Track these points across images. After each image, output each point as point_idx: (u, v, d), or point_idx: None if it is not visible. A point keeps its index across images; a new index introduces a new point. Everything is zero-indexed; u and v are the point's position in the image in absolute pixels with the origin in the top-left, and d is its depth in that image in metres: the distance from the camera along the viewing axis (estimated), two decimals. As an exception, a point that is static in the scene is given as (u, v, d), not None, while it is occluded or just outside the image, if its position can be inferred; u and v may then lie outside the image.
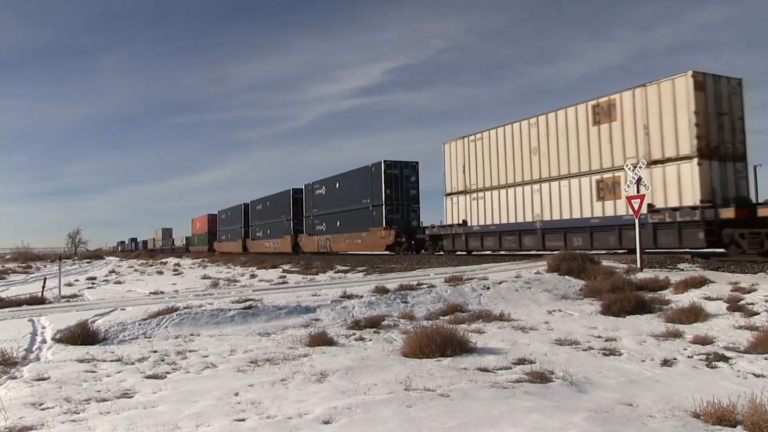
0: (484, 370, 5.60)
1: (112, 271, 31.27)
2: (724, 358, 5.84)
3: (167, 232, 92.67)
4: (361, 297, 10.39)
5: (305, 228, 38.27)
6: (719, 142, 14.43)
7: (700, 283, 10.42)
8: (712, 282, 10.50)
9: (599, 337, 7.31)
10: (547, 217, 18.55)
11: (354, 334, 7.95)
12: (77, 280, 24.01)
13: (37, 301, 12.95)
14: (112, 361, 6.41)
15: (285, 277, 20.21)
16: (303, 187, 38.99)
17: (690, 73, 14.18)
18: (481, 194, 21.63)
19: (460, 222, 22.57)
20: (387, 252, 28.01)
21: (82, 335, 7.43)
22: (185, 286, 17.69)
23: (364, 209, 29.98)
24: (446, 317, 9.13)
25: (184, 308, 9.33)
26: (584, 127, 17.33)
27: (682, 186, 14.39)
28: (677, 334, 7.10)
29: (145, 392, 4.96)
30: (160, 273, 28.48)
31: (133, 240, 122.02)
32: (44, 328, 8.43)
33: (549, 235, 18.52)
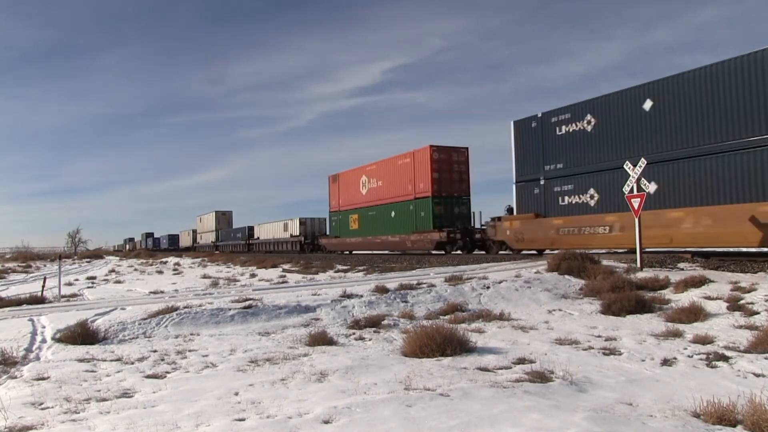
0: (484, 369, 5.60)
1: (112, 271, 31.28)
2: (724, 358, 5.84)
3: (224, 218, 60.98)
4: (361, 296, 10.39)
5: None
6: None
7: (700, 282, 10.41)
8: (712, 281, 10.50)
9: (599, 336, 7.31)
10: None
11: (354, 333, 7.95)
12: (77, 280, 24.01)
13: (37, 300, 12.96)
14: (112, 360, 6.41)
15: (285, 276, 20.22)
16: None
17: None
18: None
19: None
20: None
21: (82, 335, 7.44)
22: (185, 286, 17.68)
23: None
24: (446, 317, 9.12)
25: (184, 308, 9.33)
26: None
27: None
28: (677, 334, 7.10)
29: (145, 392, 4.96)
30: (160, 272, 28.48)
31: (149, 235, 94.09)
32: (44, 327, 8.44)
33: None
